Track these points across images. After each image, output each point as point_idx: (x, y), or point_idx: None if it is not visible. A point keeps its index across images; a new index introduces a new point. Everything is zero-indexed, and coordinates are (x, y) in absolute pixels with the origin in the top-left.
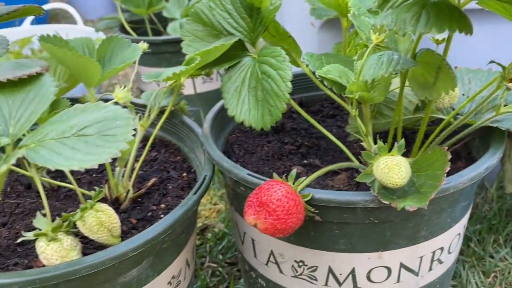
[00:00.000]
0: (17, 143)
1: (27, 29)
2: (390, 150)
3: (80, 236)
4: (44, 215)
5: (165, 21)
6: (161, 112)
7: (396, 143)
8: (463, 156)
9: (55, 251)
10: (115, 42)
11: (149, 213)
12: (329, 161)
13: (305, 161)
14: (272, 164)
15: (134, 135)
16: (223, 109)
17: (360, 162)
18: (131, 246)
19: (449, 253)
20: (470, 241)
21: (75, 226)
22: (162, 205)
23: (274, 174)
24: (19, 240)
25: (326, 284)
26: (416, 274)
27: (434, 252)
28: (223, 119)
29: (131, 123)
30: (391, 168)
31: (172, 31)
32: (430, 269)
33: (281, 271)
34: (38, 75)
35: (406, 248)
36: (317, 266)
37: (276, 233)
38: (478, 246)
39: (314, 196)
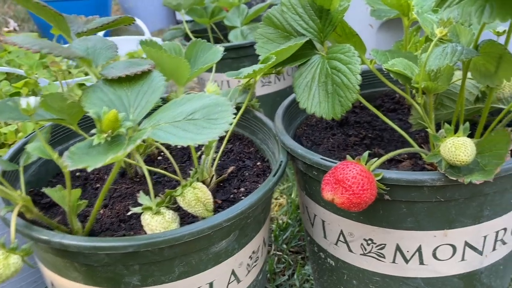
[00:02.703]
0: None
1: None
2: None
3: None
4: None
5: (224, 30)
6: (236, 108)
7: (461, 125)
8: None
9: (159, 223)
10: (199, 45)
11: (231, 195)
12: (392, 151)
13: (369, 152)
14: (338, 154)
15: (234, 118)
16: (291, 105)
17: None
18: (225, 218)
19: None
20: None
21: (173, 203)
22: (242, 189)
23: (348, 156)
24: (129, 213)
25: (393, 261)
26: (480, 253)
27: (497, 232)
28: (291, 114)
29: (231, 108)
30: (458, 147)
31: (234, 38)
32: (494, 249)
33: (350, 250)
34: (149, 71)
35: (470, 227)
36: (385, 244)
37: (352, 207)
38: None
39: (384, 176)
